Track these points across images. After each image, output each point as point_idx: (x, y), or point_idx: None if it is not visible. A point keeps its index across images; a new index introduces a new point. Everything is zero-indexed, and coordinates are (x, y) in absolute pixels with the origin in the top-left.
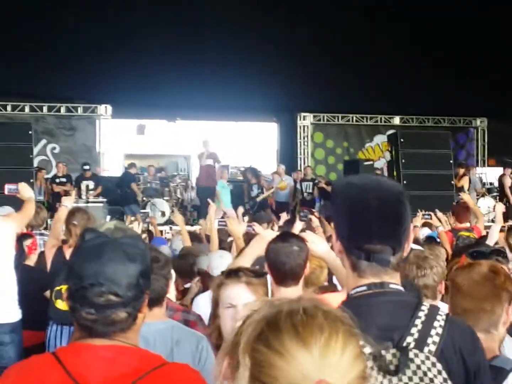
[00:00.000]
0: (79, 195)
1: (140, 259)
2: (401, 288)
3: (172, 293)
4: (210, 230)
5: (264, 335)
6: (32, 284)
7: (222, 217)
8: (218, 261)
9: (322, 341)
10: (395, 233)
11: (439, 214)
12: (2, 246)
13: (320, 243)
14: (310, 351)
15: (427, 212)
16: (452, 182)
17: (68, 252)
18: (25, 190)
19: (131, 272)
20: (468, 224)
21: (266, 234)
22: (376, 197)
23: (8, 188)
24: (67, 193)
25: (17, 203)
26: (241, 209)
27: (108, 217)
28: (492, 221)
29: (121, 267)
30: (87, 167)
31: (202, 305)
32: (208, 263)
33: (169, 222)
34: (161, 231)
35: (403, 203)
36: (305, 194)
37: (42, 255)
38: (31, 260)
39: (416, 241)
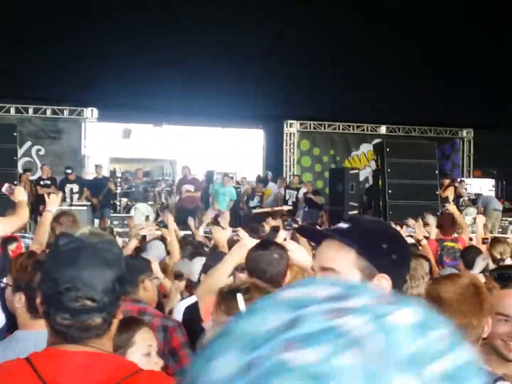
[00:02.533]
0: (63, 199)
1: (116, 264)
2: None
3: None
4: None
5: None
6: None
7: (216, 218)
8: (199, 267)
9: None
10: None
11: (431, 219)
12: None
13: (300, 252)
14: None
15: (411, 226)
16: (437, 192)
17: None
18: (19, 193)
19: (107, 277)
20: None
21: (246, 241)
22: None
23: (6, 187)
24: (50, 196)
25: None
26: (227, 214)
27: (96, 221)
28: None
29: (97, 272)
30: (69, 171)
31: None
32: (189, 269)
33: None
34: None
35: None
36: (289, 202)
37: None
38: None
39: None
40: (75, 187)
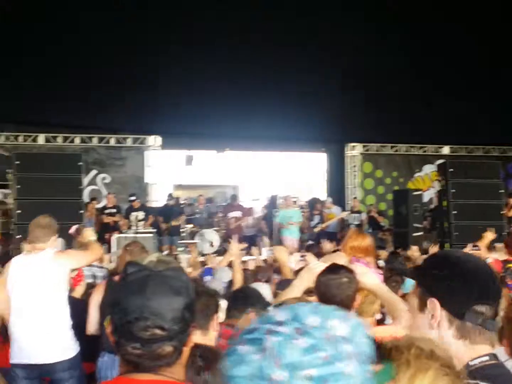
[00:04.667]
0: (129, 227)
1: (185, 292)
2: None
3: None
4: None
5: None
6: (80, 316)
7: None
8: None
9: (407, 377)
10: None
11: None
12: (54, 284)
13: (370, 275)
14: None
15: (475, 244)
16: (502, 212)
17: None
18: (88, 234)
19: (176, 306)
20: None
21: (314, 266)
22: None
23: (73, 229)
24: (116, 224)
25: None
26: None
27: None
28: None
29: (165, 300)
30: (133, 198)
31: None
32: None
33: (219, 252)
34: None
35: None
36: (352, 226)
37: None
38: (77, 292)
39: None
40: (140, 215)
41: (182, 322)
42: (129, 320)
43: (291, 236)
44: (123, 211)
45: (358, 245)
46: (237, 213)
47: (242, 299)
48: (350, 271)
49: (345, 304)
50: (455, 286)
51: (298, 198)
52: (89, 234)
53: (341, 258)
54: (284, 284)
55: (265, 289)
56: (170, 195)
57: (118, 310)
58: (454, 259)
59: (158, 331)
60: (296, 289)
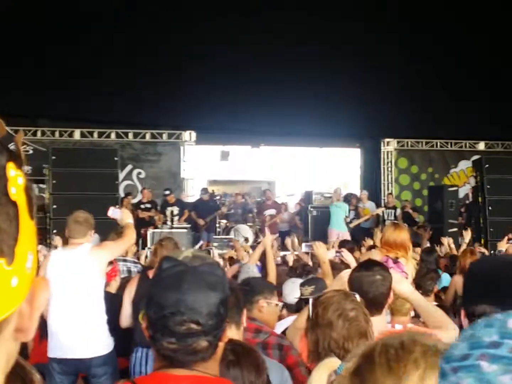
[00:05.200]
0: (164, 222)
1: (220, 287)
2: None
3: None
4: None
5: (360, 370)
6: (114, 311)
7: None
8: (290, 287)
9: (416, 377)
10: None
11: None
12: (92, 279)
13: (404, 283)
14: None
15: (511, 237)
16: None
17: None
18: (126, 216)
19: (211, 301)
20: None
21: (346, 274)
22: None
23: (112, 210)
24: (151, 219)
25: (106, 229)
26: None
27: (200, 243)
28: None
29: (201, 295)
30: (167, 192)
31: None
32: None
33: (253, 248)
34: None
35: None
36: (386, 222)
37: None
38: (112, 287)
39: None
40: (175, 210)
41: (217, 317)
42: (164, 315)
43: (340, 230)
44: (159, 206)
45: (394, 239)
46: (272, 211)
47: (249, 290)
48: (384, 268)
49: (378, 301)
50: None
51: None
52: (127, 216)
53: (376, 257)
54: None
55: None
56: (205, 189)
57: (153, 305)
58: None
59: (193, 326)
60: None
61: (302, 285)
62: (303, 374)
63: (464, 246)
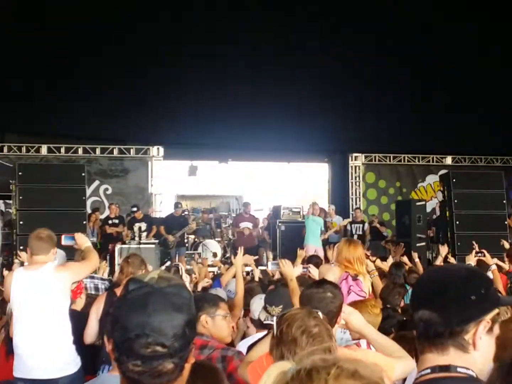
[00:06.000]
0: (132, 237)
1: (186, 309)
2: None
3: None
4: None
5: None
6: (81, 329)
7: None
8: (258, 304)
9: None
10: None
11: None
12: (54, 297)
13: (357, 316)
14: None
15: (480, 250)
16: (506, 222)
17: (120, 293)
18: (81, 240)
19: (177, 322)
20: None
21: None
22: None
23: (64, 238)
24: (119, 234)
25: (72, 247)
26: (302, 253)
27: (167, 261)
28: None
29: (167, 317)
30: (135, 209)
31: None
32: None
33: (221, 263)
34: (213, 272)
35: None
36: (355, 236)
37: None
38: (77, 305)
39: None
40: (143, 225)
41: (183, 339)
42: (129, 337)
43: (317, 245)
44: (126, 222)
45: (351, 256)
46: (248, 224)
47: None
48: (336, 287)
49: (328, 319)
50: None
51: (302, 208)
52: (83, 240)
53: (336, 272)
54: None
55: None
56: (178, 204)
57: (118, 327)
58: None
59: (159, 348)
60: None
61: (269, 304)
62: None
63: (439, 260)
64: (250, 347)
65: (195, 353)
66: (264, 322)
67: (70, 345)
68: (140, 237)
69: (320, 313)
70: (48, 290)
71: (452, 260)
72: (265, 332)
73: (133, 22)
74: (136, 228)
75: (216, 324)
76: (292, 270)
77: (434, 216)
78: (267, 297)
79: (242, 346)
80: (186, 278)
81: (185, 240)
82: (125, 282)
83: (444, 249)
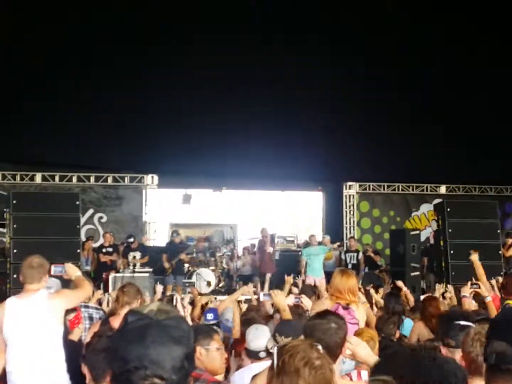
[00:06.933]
0: (126, 266)
1: (185, 342)
2: None
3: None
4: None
5: None
6: (77, 359)
7: (315, 285)
8: (253, 334)
9: None
10: None
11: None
12: (47, 325)
13: (364, 347)
14: None
15: (475, 282)
16: (500, 252)
17: (115, 322)
18: (71, 270)
19: (175, 355)
20: None
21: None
22: None
23: (54, 269)
24: (113, 263)
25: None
26: (290, 279)
27: (160, 287)
28: None
29: (165, 349)
30: (131, 239)
31: (239, 383)
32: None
33: (215, 292)
34: (207, 302)
35: None
36: (349, 265)
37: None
38: (75, 335)
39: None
40: (138, 254)
41: (181, 372)
42: (128, 369)
43: (317, 277)
44: (121, 252)
45: (343, 286)
46: (271, 249)
47: None
48: (340, 318)
49: (332, 350)
50: None
51: (296, 237)
52: (73, 270)
53: (326, 305)
54: (284, 325)
55: (265, 331)
56: (176, 232)
57: (117, 358)
58: None
59: (157, 381)
60: None
61: (279, 333)
62: None
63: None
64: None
65: None
66: (270, 350)
67: (64, 374)
68: (134, 266)
69: (320, 347)
70: (41, 318)
71: (449, 288)
72: (260, 363)
73: (125, 50)
74: (130, 257)
75: (209, 356)
76: (284, 300)
77: (428, 245)
78: (279, 327)
79: (238, 377)
80: (180, 309)
81: (183, 268)
82: (124, 314)
83: (439, 288)
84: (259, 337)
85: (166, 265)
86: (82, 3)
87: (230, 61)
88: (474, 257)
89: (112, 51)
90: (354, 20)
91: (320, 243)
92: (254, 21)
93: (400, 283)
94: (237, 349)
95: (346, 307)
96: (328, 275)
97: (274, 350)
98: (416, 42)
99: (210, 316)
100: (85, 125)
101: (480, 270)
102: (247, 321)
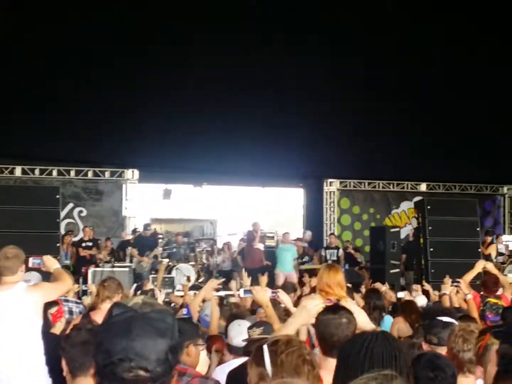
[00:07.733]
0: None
1: (169, 334)
2: None
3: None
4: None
5: None
6: (57, 352)
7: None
8: (236, 330)
9: None
10: None
11: (489, 265)
12: (25, 318)
13: (361, 314)
14: None
15: (455, 280)
16: (479, 249)
17: (96, 317)
18: (50, 263)
19: (160, 347)
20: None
21: (310, 306)
22: None
23: (32, 261)
24: (92, 257)
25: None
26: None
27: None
28: None
29: (150, 342)
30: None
31: (221, 378)
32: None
33: (195, 287)
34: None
35: None
36: (329, 262)
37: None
38: (57, 329)
39: (447, 311)
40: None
41: (165, 364)
42: (112, 361)
43: (286, 272)
44: (118, 246)
45: (331, 281)
46: (261, 246)
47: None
48: (350, 312)
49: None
50: None
51: (276, 233)
52: (52, 262)
53: (316, 301)
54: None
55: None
56: (148, 225)
57: (101, 351)
58: None
59: (141, 373)
60: (291, 327)
61: (249, 328)
62: None
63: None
64: (230, 374)
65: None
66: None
67: (43, 367)
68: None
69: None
70: (19, 310)
71: (427, 286)
72: (242, 358)
73: (110, 48)
74: (128, 251)
75: (197, 354)
76: (266, 296)
77: (408, 242)
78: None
79: (219, 373)
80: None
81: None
82: (109, 307)
83: (418, 288)
84: (242, 333)
85: (145, 260)
86: (82, 3)
87: (230, 61)
88: (490, 265)
89: (112, 51)
90: (354, 20)
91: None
92: (254, 21)
93: (378, 285)
94: (210, 345)
95: (336, 303)
96: (311, 272)
97: (265, 349)
98: (416, 42)
99: (184, 311)
100: (66, 119)
101: (473, 274)
102: (233, 316)
